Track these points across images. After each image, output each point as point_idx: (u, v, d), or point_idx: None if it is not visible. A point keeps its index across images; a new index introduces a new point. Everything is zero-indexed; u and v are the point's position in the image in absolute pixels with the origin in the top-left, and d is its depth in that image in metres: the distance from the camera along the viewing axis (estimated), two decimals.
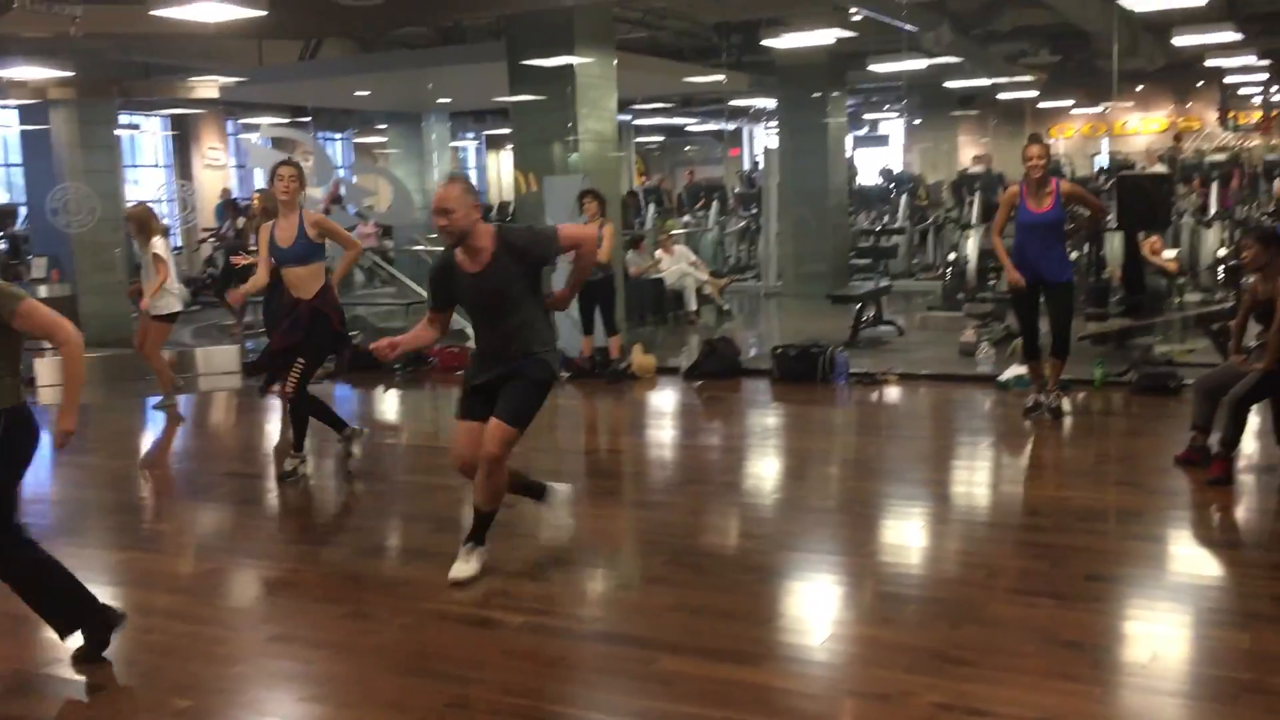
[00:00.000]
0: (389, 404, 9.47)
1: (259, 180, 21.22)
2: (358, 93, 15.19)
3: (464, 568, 4.61)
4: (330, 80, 14.02)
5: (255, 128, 17.96)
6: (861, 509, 5.76)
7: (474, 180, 28.52)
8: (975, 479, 6.52)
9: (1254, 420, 6.27)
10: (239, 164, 21.20)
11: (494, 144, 26.35)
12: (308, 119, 14.28)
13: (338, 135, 22.44)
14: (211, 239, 16.59)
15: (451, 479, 6.17)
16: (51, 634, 3.93)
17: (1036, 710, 3.38)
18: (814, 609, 4.43)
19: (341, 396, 9.38)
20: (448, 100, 16.94)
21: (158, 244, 8.77)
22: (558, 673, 3.74)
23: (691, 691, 3.59)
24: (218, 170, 20.82)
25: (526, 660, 3.84)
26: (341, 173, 18.32)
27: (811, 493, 6.32)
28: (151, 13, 8.30)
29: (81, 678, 3.85)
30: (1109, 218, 10.07)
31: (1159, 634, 4.06)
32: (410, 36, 15.17)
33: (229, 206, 16.26)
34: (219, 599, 4.62)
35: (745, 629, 4.08)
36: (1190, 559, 4.94)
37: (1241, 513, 5.50)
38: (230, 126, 21.17)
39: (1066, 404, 7.51)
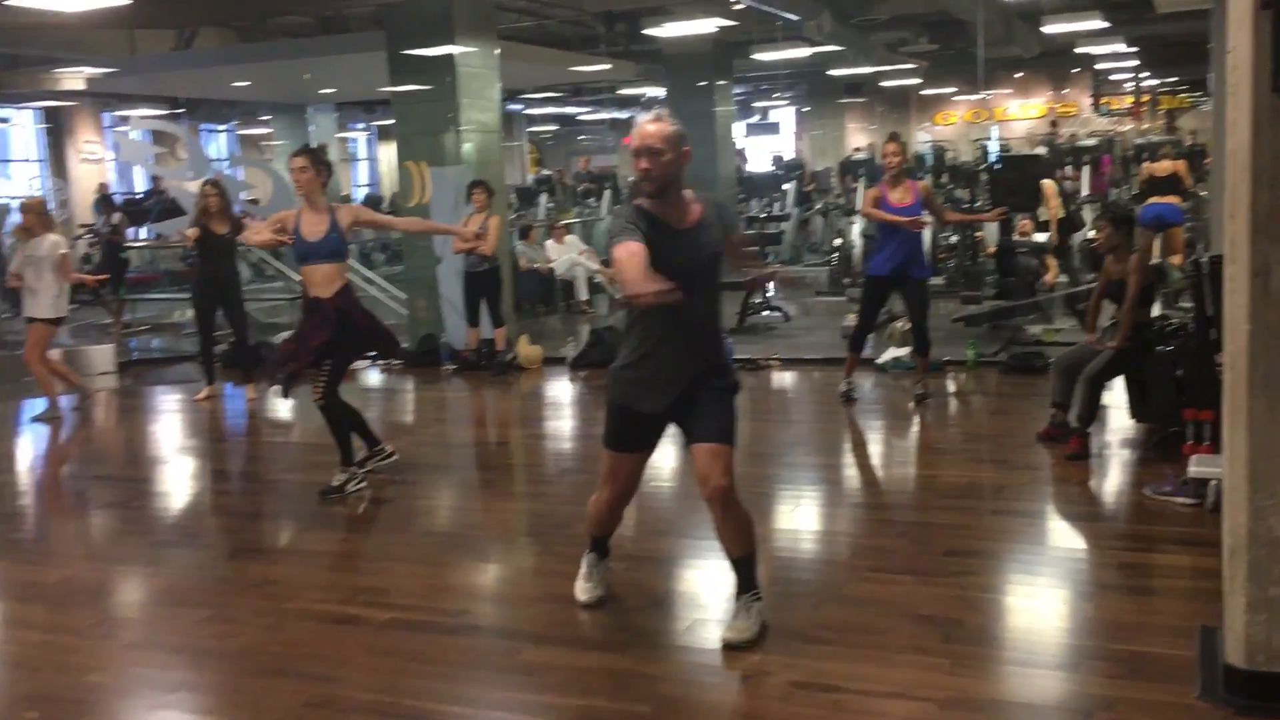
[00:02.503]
0: (273, 401, 9.28)
1: (138, 175, 20.70)
2: (236, 83, 14.84)
3: (742, 626, 3.78)
4: (206, 71, 13.66)
5: (129, 120, 17.44)
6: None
7: (365, 172, 28.21)
8: (847, 460, 6.67)
9: (1111, 396, 6.54)
10: (116, 158, 20.58)
11: (386, 135, 26.00)
12: (180, 111, 13.86)
13: (221, 127, 21.93)
14: (88, 235, 16.07)
15: (326, 475, 6.08)
16: None
17: (887, 684, 3.48)
18: (680, 595, 4.48)
19: (229, 394, 9.19)
20: (331, 91, 16.64)
21: (63, 241, 8.39)
22: (419, 668, 3.72)
23: (553, 681, 3.61)
24: (94, 164, 20.18)
25: (388, 657, 3.82)
26: (226, 167, 17.93)
27: (690, 479, 6.37)
28: (7, 2, 8.00)
29: None
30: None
31: (1010, 605, 4.21)
32: (292, 25, 14.88)
33: (105, 202, 15.75)
34: (77, 607, 4.49)
35: (611, 617, 4.12)
36: (1045, 532, 5.11)
37: (1096, 486, 5.70)
38: (107, 119, 20.53)
39: (923, 388, 7.58)
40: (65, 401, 8.63)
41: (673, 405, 3.78)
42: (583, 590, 4.21)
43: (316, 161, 5.78)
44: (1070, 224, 11.11)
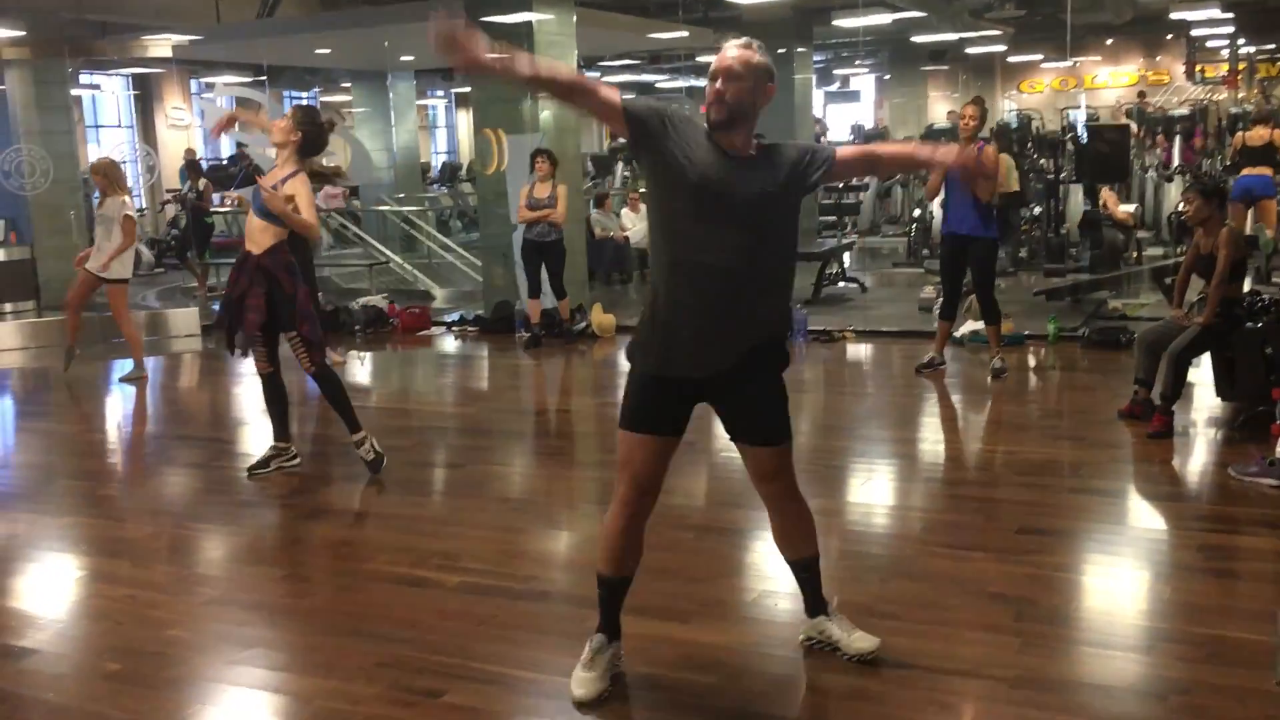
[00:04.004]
0: (349, 366, 9.42)
1: (224, 141, 21.07)
2: (319, 50, 15.01)
3: (859, 634, 3.47)
4: (289, 38, 13.82)
5: (213, 87, 17.76)
6: (807, 466, 5.77)
7: (443, 140, 28.40)
8: (919, 435, 6.57)
9: (1196, 374, 6.36)
10: (202, 124, 20.97)
11: (464, 102, 26.11)
12: (262, 78, 14.08)
13: (304, 94, 22.19)
14: (174, 200, 16.45)
15: (403, 440, 6.19)
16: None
17: (956, 661, 3.44)
18: (748, 566, 4.47)
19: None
20: (410, 58, 16.75)
21: (129, 203, 8.52)
22: (487, 632, 3.77)
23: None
24: (182, 130, 20.59)
25: (458, 620, 3.87)
26: None
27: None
28: None
29: (13, 643, 3.86)
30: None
31: (1084, 585, 4.14)
32: None
33: (191, 167, 16.08)
34: (158, 563, 4.62)
35: (678, 586, 4.12)
36: (1123, 511, 5.01)
37: (1178, 465, 5.57)
38: (195, 86, 20.91)
39: (999, 362, 7.39)
40: (123, 371, 8.81)
41: (713, 380, 3.20)
42: (580, 683, 3.25)
43: (302, 121, 5.51)
44: (1019, 200, 10.80)
